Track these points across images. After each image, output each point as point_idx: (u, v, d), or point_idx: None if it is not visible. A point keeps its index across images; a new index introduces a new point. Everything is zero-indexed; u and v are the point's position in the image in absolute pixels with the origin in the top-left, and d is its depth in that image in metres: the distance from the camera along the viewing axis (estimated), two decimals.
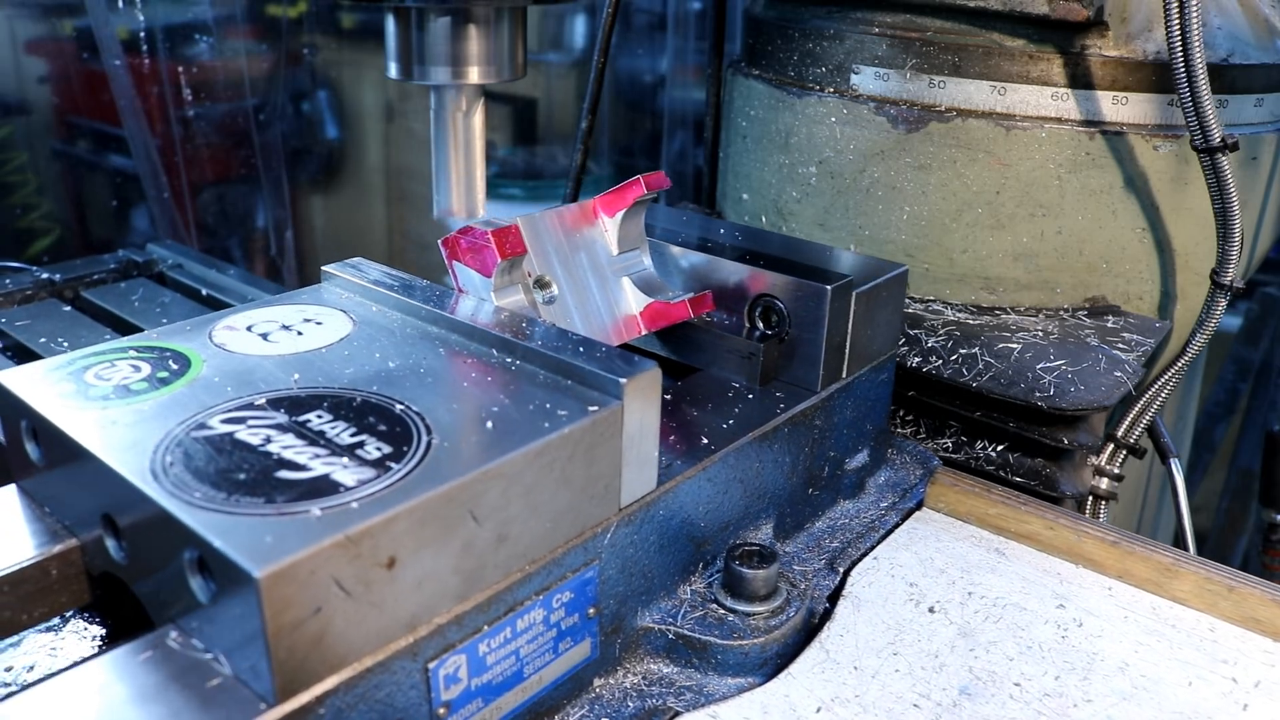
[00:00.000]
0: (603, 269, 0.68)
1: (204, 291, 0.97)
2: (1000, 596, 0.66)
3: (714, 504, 0.61)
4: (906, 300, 0.95)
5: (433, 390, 0.53)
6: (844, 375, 0.70)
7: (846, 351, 0.69)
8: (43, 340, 0.85)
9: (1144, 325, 0.91)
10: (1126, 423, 0.91)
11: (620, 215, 0.68)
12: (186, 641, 0.45)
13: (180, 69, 1.89)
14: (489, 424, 0.50)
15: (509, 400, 0.52)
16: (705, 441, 0.61)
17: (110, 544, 0.50)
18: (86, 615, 0.57)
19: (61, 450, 0.50)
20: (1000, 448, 0.86)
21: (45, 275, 0.95)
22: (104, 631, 0.55)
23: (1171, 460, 1.02)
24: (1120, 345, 0.87)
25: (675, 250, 0.72)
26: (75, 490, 0.51)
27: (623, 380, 0.52)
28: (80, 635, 0.55)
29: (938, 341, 0.87)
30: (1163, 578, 0.67)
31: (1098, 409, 0.80)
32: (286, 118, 2.14)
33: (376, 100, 2.41)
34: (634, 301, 0.68)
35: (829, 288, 0.65)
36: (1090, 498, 0.90)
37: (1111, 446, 0.91)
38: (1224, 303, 0.87)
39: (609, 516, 0.54)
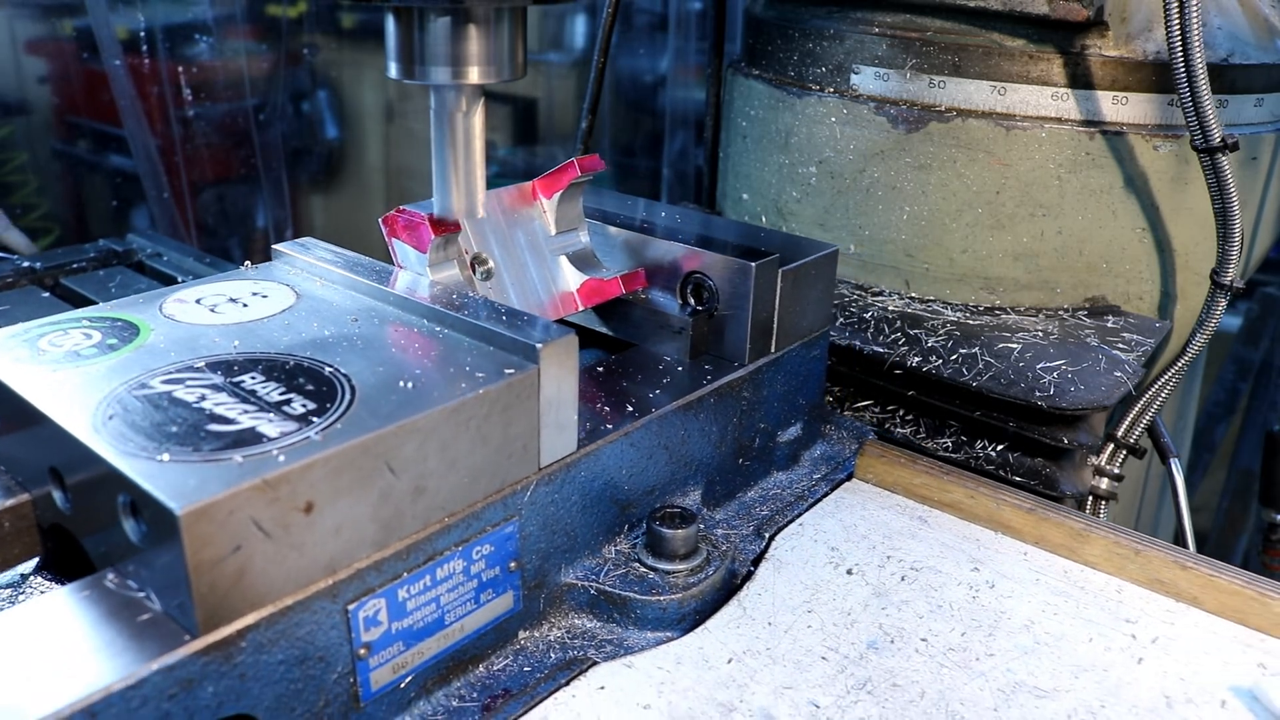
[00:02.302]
0: (540, 248, 0.71)
1: (179, 278, 1.01)
2: (918, 560, 0.69)
3: (638, 468, 0.65)
4: (907, 299, 0.97)
5: (362, 355, 0.56)
6: (773, 350, 0.73)
7: (775, 327, 0.72)
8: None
9: (1144, 325, 0.92)
10: (1126, 423, 0.91)
11: (557, 196, 0.71)
12: (122, 582, 0.49)
13: (180, 69, 1.91)
14: (409, 384, 0.53)
15: (432, 365, 0.56)
16: (630, 409, 0.65)
17: (57, 496, 0.53)
18: (47, 574, 0.61)
19: (13, 410, 0.54)
20: (1000, 447, 0.87)
21: (26, 263, 0.98)
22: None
23: (1171, 460, 1.03)
24: (1120, 345, 0.88)
25: (613, 230, 0.75)
26: (26, 447, 0.55)
27: (538, 345, 0.55)
28: (40, 591, 0.59)
29: (938, 341, 0.88)
30: (1075, 542, 0.70)
31: (1098, 409, 0.81)
32: (286, 118, 2.17)
33: (376, 100, 2.43)
34: (571, 278, 0.71)
35: (754, 264, 0.68)
36: (1090, 498, 0.91)
37: (1111, 446, 0.92)
38: (1224, 303, 0.88)
39: (528, 475, 0.57)
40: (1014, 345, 0.87)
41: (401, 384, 0.53)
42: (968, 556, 0.70)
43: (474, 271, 0.67)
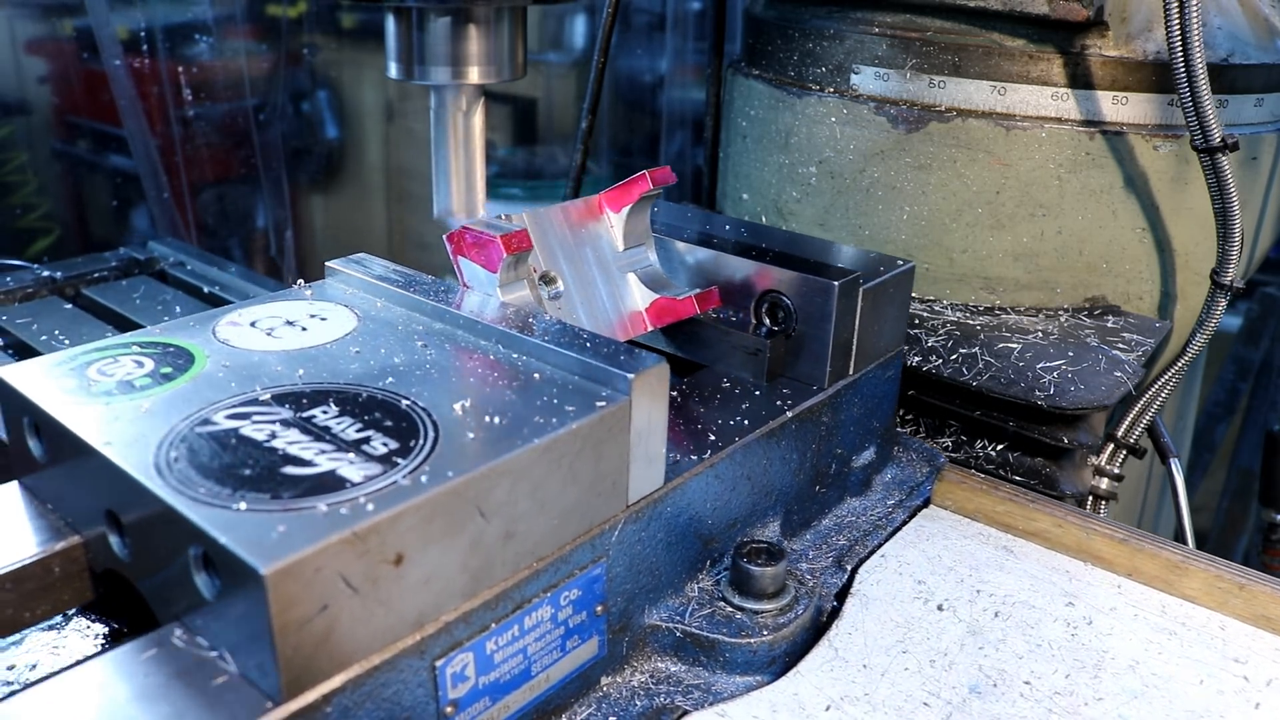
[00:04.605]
0: (608, 265, 0.67)
1: (206, 289, 0.96)
2: (1009, 594, 0.66)
3: (721, 501, 0.61)
4: None
5: (438, 386, 0.52)
6: (851, 372, 0.69)
7: (853, 348, 0.69)
8: (44, 338, 0.84)
9: (1144, 325, 0.91)
10: (1126, 423, 0.91)
11: (626, 211, 0.67)
12: (191, 639, 0.45)
13: (180, 69, 1.88)
14: (496, 420, 0.49)
15: (515, 396, 0.52)
16: (712, 438, 0.61)
17: (114, 541, 0.49)
18: (89, 614, 0.56)
19: (64, 446, 0.50)
20: (1000, 447, 0.86)
21: (46, 273, 0.94)
22: (107, 630, 0.55)
23: (1171, 460, 1.02)
24: (1120, 345, 0.87)
25: (680, 246, 0.71)
26: (78, 487, 0.51)
27: (630, 375, 0.51)
28: (83, 634, 0.55)
29: (938, 341, 0.87)
30: (1172, 575, 0.67)
31: (1098, 409, 0.80)
32: (286, 118, 2.14)
33: (376, 100, 2.41)
34: (640, 297, 0.68)
35: (836, 284, 0.65)
36: (1090, 497, 0.90)
37: (1111, 446, 0.91)
38: (1224, 303, 0.87)
39: (616, 513, 0.53)
40: (1014, 345, 0.86)
41: (487, 419, 0.49)
42: (1060, 590, 0.66)
43: (543, 291, 0.63)
